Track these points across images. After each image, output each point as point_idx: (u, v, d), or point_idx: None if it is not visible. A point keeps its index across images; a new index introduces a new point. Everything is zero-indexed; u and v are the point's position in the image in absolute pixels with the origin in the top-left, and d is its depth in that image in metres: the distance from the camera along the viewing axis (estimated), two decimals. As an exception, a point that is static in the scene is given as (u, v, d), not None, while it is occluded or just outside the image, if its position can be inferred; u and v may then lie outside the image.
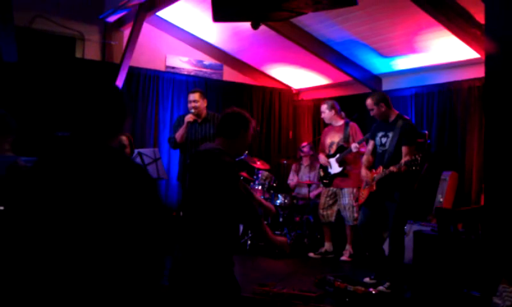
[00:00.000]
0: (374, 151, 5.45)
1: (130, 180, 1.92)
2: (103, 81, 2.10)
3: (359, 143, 6.37)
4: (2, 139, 3.68)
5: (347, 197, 6.56)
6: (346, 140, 6.61)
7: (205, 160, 3.17)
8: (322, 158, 6.88)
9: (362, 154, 5.99)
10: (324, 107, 6.77)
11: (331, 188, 6.72)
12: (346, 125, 6.70)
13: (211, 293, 2.99)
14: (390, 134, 5.15)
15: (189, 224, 3.15)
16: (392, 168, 5.01)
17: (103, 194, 1.86)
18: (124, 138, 5.26)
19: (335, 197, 6.70)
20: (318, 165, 7.09)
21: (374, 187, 5.23)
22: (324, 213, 6.72)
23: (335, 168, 6.66)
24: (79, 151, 1.95)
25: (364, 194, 5.37)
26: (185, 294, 3.03)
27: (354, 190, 6.49)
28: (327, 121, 6.83)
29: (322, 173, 6.87)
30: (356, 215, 6.49)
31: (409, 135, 5.08)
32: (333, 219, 6.71)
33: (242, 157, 7.06)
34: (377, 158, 5.34)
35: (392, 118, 5.23)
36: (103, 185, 1.87)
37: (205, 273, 3.00)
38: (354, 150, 6.37)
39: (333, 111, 6.71)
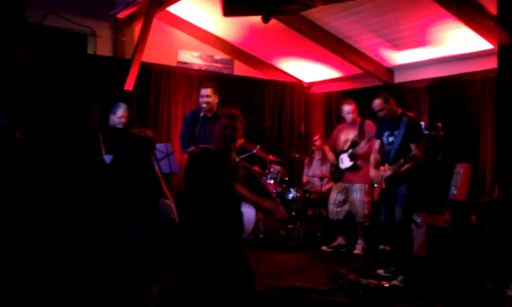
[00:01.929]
0: (381, 149, 5.51)
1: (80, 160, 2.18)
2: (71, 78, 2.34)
3: (370, 139, 6.37)
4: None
5: (358, 193, 6.53)
6: (361, 136, 6.57)
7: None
8: (327, 151, 6.95)
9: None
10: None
11: (342, 183, 6.70)
12: (362, 122, 6.65)
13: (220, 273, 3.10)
14: (396, 132, 5.19)
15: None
16: (394, 169, 5.13)
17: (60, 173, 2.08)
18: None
19: (346, 193, 6.66)
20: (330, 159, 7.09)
21: (384, 185, 5.26)
22: (335, 210, 6.68)
23: (346, 163, 6.63)
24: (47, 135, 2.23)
25: (376, 191, 5.40)
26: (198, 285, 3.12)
27: (366, 186, 6.47)
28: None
29: (333, 170, 6.89)
30: (366, 212, 6.48)
31: (414, 131, 5.18)
32: (341, 217, 6.68)
33: (254, 151, 7.05)
34: (385, 156, 5.41)
35: (397, 115, 5.31)
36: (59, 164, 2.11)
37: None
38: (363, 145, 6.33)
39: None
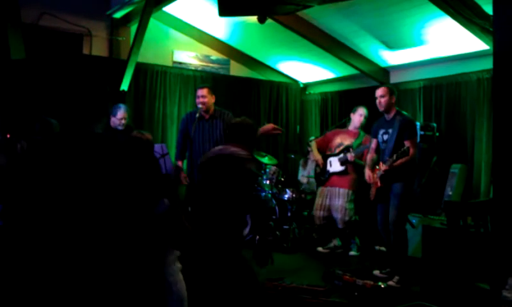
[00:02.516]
0: (378, 149, 5.50)
1: (108, 153, 2.32)
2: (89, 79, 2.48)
3: (361, 150, 6.40)
4: None
5: (341, 199, 6.45)
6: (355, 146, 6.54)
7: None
8: (314, 148, 6.90)
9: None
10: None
11: (326, 187, 6.65)
12: (362, 134, 6.62)
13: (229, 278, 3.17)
14: (391, 130, 5.20)
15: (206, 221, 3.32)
16: (387, 165, 5.12)
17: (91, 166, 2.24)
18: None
19: (329, 198, 6.58)
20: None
21: (379, 183, 5.25)
22: (321, 215, 6.61)
23: (335, 167, 6.59)
24: (71, 134, 2.35)
25: (372, 191, 5.38)
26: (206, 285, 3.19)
27: (350, 192, 6.45)
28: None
29: (318, 170, 6.83)
30: (347, 218, 6.41)
31: (408, 128, 5.18)
32: (327, 221, 6.62)
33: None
34: (380, 155, 5.40)
35: (392, 113, 5.32)
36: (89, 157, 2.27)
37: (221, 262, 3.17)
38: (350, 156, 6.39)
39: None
